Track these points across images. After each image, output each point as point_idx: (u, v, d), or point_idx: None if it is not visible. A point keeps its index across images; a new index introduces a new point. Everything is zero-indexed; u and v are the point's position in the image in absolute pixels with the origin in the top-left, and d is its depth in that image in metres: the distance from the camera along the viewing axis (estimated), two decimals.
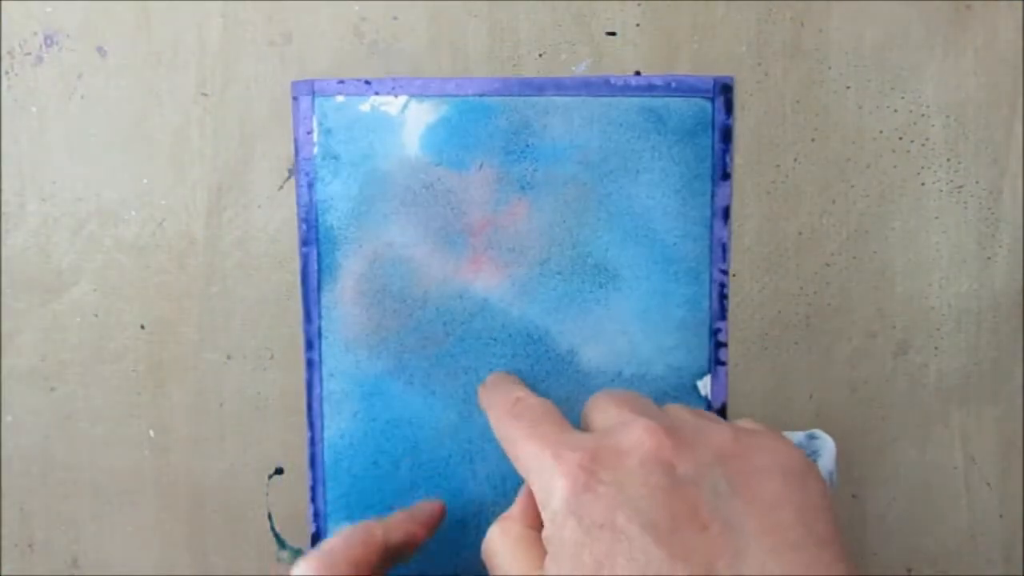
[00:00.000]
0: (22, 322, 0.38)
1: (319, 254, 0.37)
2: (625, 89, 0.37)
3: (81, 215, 0.38)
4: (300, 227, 0.38)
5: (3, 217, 0.38)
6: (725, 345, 0.38)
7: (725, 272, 0.38)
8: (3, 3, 0.38)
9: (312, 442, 0.38)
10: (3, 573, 0.39)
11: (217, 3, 0.37)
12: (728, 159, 0.38)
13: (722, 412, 0.38)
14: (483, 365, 0.38)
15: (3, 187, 0.38)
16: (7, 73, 0.38)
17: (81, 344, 0.38)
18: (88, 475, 0.39)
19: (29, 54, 0.38)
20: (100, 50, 0.38)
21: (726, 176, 0.38)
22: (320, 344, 0.38)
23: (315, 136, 0.37)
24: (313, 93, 0.37)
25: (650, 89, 0.37)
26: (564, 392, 0.37)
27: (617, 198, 0.37)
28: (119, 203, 0.38)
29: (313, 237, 0.38)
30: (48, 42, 0.38)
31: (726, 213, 0.38)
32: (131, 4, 0.38)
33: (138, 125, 0.38)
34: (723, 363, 0.38)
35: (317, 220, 0.37)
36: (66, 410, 0.39)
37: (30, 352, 0.38)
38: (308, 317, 0.38)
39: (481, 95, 0.37)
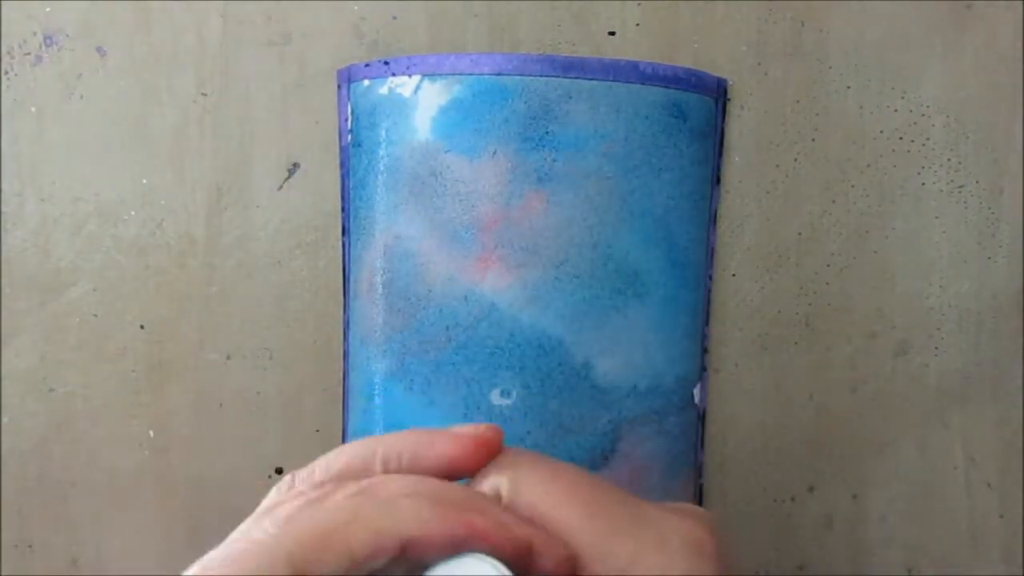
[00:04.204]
0: (21, 322, 0.38)
1: (348, 244, 0.36)
2: (653, 77, 0.34)
3: (80, 215, 0.38)
4: (340, 215, 0.37)
5: (2, 217, 0.38)
6: (707, 351, 0.38)
7: (711, 277, 0.37)
8: (3, 3, 0.38)
9: (343, 432, 0.37)
10: (3, 574, 0.39)
11: (217, 3, 0.37)
12: (721, 163, 0.37)
13: (702, 418, 0.38)
14: (486, 378, 0.34)
15: (2, 187, 0.38)
16: (7, 73, 0.38)
17: (80, 344, 0.38)
18: (87, 475, 0.39)
19: (29, 54, 0.38)
20: (99, 50, 0.38)
21: (718, 180, 0.37)
22: (348, 335, 0.37)
23: (349, 123, 0.36)
24: (349, 80, 0.36)
25: (676, 81, 0.35)
26: (577, 411, 0.34)
27: (640, 196, 0.34)
28: (118, 203, 0.38)
29: (346, 226, 0.37)
30: (48, 42, 0.38)
31: (714, 218, 0.37)
32: (131, 4, 0.37)
33: (138, 125, 0.38)
34: (705, 368, 0.37)
35: (349, 209, 0.36)
36: (65, 411, 0.39)
37: (29, 352, 0.38)
38: (343, 307, 0.37)
39: (498, 74, 0.33)
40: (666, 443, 0.35)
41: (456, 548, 0.21)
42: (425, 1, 0.37)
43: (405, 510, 0.21)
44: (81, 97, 0.38)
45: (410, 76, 0.34)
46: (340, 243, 0.37)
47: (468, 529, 0.21)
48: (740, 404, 0.38)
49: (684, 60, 0.37)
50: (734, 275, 0.38)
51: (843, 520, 0.39)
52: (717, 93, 0.36)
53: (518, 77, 0.33)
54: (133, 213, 0.38)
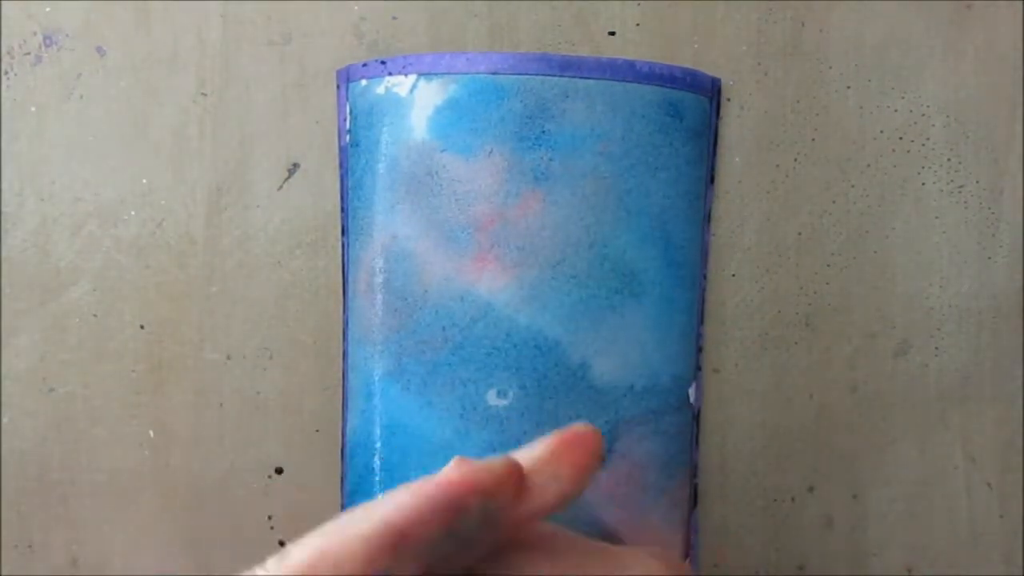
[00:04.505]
0: (21, 322, 0.38)
1: (347, 244, 0.36)
2: (650, 76, 0.34)
3: (80, 215, 0.38)
4: (340, 215, 0.37)
5: (2, 217, 0.38)
6: (701, 350, 0.37)
7: (705, 277, 0.37)
8: (3, 3, 0.38)
9: (342, 432, 0.37)
10: (3, 574, 0.39)
11: (217, 3, 0.37)
12: (715, 162, 0.37)
13: (696, 418, 0.37)
14: (483, 378, 0.33)
15: (2, 187, 0.38)
16: (6, 73, 0.38)
17: (80, 344, 0.38)
18: (87, 476, 0.39)
19: (28, 54, 0.38)
20: (99, 50, 0.38)
21: (712, 179, 0.37)
22: (347, 335, 0.37)
23: (347, 123, 0.36)
24: (348, 80, 0.36)
25: (672, 80, 0.34)
26: (574, 412, 0.33)
27: (637, 195, 0.34)
28: (118, 203, 0.38)
29: (345, 226, 0.37)
30: (47, 42, 0.38)
31: (708, 217, 0.37)
32: (131, 4, 0.38)
33: (138, 125, 0.38)
34: (699, 368, 0.37)
35: (347, 209, 0.36)
36: (65, 411, 0.39)
37: (29, 353, 0.38)
38: (343, 307, 0.37)
39: (494, 73, 0.33)
40: (663, 443, 0.35)
41: (451, 516, 0.21)
42: (425, 1, 0.37)
43: (386, 505, 0.21)
44: (81, 97, 0.38)
45: (406, 75, 0.34)
46: (340, 243, 0.37)
47: (449, 490, 0.21)
48: (740, 404, 0.38)
49: (684, 60, 0.37)
50: (734, 275, 0.38)
51: (843, 520, 0.39)
52: (712, 92, 0.36)
53: (514, 76, 0.33)
54: (133, 213, 0.38)
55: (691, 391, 0.36)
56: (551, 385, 0.33)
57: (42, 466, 0.39)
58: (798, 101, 0.38)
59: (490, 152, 0.33)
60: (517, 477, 0.22)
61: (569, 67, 0.33)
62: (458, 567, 0.23)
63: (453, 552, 0.22)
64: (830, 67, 0.38)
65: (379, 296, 0.35)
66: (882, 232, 0.38)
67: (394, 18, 0.37)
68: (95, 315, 0.38)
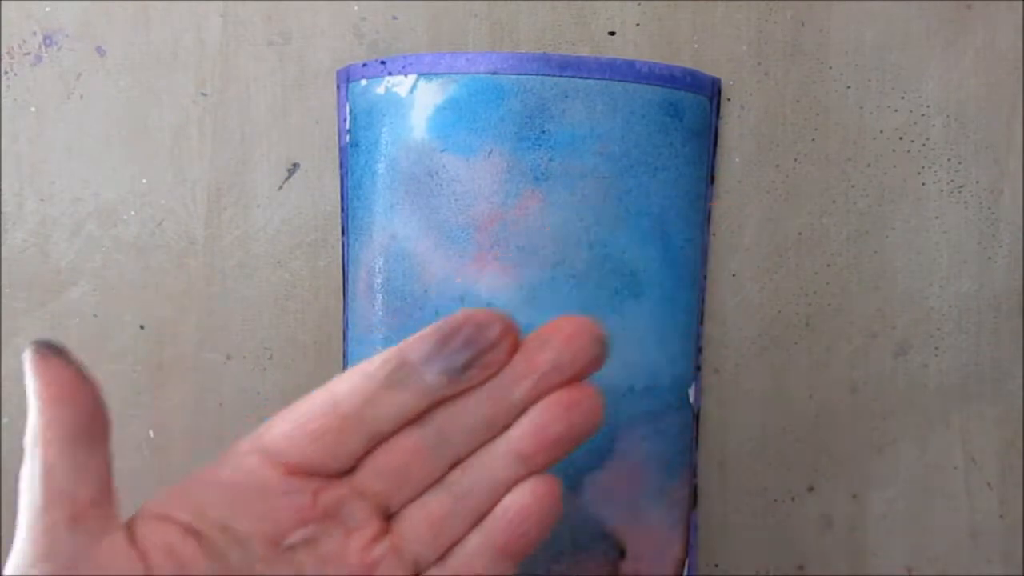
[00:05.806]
0: (21, 322, 0.38)
1: (347, 244, 0.36)
2: (649, 76, 0.34)
3: (80, 215, 0.38)
4: (340, 215, 0.37)
5: (2, 217, 0.38)
6: (700, 350, 0.37)
7: (705, 277, 0.37)
8: (2, 3, 0.38)
9: None
10: (3, 574, 0.39)
11: (217, 3, 0.37)
12: (715, 162, 0.37)
13: (696, 418, 0.37)
14: None
15: (2, 187, 0.38)
16: (6, 73, 0.38)
17: (81, 344, 0.38)
18: None
19: (28, 54, 0.38)
20: (99, 50, 0.38)
21: (712, 179, 0.37)
22: (347, 335, 0.36)
23: (347, 123, 0.36)
24: (348, 80, 0.36)
25: (672, 80, 0.34)
26: None
27: (636, 195, 0.34)
28: (118, 203, 0.38)
29: (345, 226, 0.37)
30: (47, 42, 0.38)
31: (708, 218, 0.37)
32: (131, 4, 0.37)
33: (137, 125, 0.38)
34: (699, 368, 0.37)
35: (347, 209, 0.36)
36: None
37: None
38: (343, 307, 0.37)
39: (494, 73, 0.33)
40: (663, 443, 0.35)
41: (444, 335, 0.23)
42: (425, 1, 0.37)
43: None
44: (81, 97, 0.38)
45: (406, 75, 0.34)
46: (340, 243, 0.37)
47: (443, 320, 0.24)
48: (740, 404, 0.38)
49: (684, 60, 0.37)
50: (734, 275, 0.38)
51: (843, 520, 0.39)
52: (712, 92, 0.36)
53: (514, 76, 0.33)
54: (133, 213, 0.38)
55: (691, 391, 0.36)
56: None
57: None
58: (798, 101, 0.38)
59: (490, 152, 0.33)
60: (509, 324, 0.24)
61: (569, 67, 0.33)
62: (459, 433, 0.24)
63: (446, 388, 0.24)
64: (830, 67, 0.38)
65: (379, 296, 0.35)
66: (882, 232, 0.38)
67: (394, 18, 0.37)
68: (95, 315, 0.38)
